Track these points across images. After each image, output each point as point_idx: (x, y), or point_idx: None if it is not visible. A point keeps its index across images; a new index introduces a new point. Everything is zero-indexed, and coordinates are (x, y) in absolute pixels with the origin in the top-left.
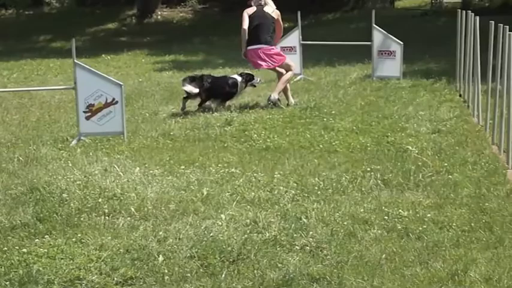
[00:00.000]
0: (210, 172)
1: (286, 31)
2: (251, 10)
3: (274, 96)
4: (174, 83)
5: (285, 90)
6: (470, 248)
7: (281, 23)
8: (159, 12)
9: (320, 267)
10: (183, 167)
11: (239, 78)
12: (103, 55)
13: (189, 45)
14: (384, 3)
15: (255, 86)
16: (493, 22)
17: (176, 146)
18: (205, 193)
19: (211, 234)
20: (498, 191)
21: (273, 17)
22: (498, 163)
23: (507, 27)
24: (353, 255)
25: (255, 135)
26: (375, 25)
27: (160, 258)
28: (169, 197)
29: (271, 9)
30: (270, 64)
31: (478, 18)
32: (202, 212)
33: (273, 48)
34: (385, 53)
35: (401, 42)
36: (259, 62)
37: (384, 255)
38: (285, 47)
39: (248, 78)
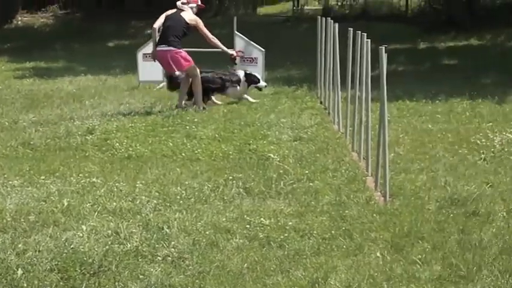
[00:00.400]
0: (70, 182)
1: (148, 38)
2: (170, 11)
3: (199, 108)
4: (34, 90)
5: (181, 94)
6: (331, 255)
7: (204, 29)
8: (20, 18)
9: (182, 278)
10: (43, 177)
11: (242, 77)
12: None
13: (50, 52)
14: (246, 10)
15: (260, 89)
16: (351, 29)
17: (36, 155)
18: (65, 204)
19: (71, 246)
20: (358, 198)
21: (186, 22)
22: (358, 170)
23: (365, 34)
24: (215, 264)
25: (117, 144)
26: (236, 32)
27: (19, 271)
28: (29, 208)
29: (187, 15)
30: (175, 69)
31: (337, 25)
32: (62, 223)
33: (180, 52)
34: (247, 60)
35: (263, 49)
36: (167, 66)
37: (245, 265)
38: (147, 54)
39: (251, 80)
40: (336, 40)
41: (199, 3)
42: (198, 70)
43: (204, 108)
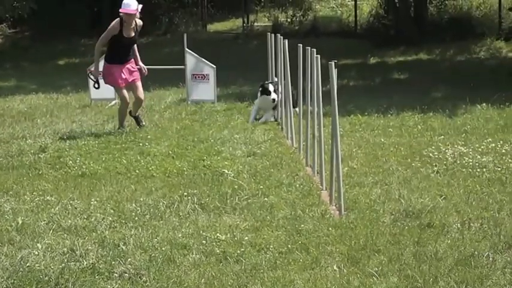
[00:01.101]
0: (24, 200)
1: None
2: None
3: (121, 127)
4: None
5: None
6: (288, 269)
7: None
8: None
9: None
10: None
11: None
12: None
13: (0, 71)
14: (196, 27)
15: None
16: (301, 45)
17: None
18: (20, 222)
19: (27, 264)
20: (313, 212)
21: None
22: (312, 184)
23: (314, 50)
24: (172, 280)
25: (70, 161)
26: (187, 49)
27: None
28: None
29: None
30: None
31: (287, 41)
32: (17, 241)
33: (105, 67)
34: (199, 77)
35: (214, 66)
36: None
37: (203, 280)
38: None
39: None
40: (286, 56)
41: (125, 9)
42: (123, 91)
43: (123, 127)
